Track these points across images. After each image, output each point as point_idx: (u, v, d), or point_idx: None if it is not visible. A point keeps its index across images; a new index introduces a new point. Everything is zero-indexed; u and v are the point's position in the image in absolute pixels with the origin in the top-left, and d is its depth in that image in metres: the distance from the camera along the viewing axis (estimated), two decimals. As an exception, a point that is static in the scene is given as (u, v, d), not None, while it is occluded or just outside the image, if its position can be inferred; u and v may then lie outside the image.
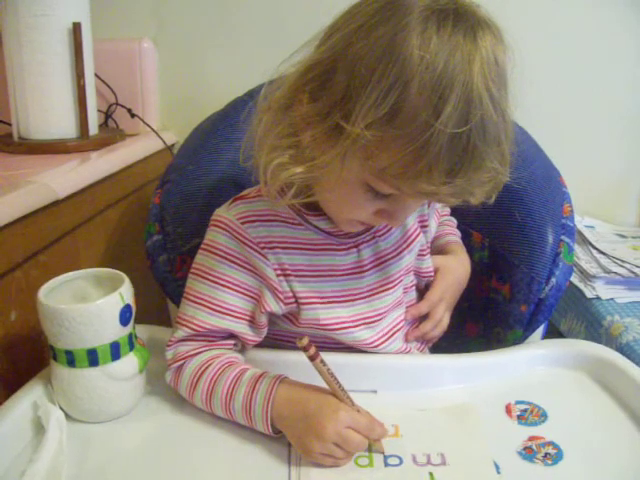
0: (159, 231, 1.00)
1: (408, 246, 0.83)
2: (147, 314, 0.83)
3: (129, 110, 1.40)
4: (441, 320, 0.87)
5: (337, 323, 0.78)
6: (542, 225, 0.93)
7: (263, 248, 0.76)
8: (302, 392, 0.69)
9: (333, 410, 0.65)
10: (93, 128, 1.22)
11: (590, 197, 1.47)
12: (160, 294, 1.01)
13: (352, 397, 0.68)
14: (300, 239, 0.77)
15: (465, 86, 0.57)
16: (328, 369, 0.66)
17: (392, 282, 0.81)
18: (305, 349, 0.65)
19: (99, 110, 1.30)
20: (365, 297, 0.80)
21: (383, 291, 0.81)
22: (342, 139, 0.61)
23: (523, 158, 0.96)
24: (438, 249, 0.93)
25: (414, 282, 0.87)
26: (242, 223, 0.76)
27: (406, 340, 0.84)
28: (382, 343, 0.81)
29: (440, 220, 0.95)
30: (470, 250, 0.97)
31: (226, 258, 0.76)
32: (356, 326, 0.79)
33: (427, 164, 0.59)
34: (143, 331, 0.83)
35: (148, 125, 1.39)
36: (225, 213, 0.78)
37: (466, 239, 0.99)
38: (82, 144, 1.18)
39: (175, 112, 1.46)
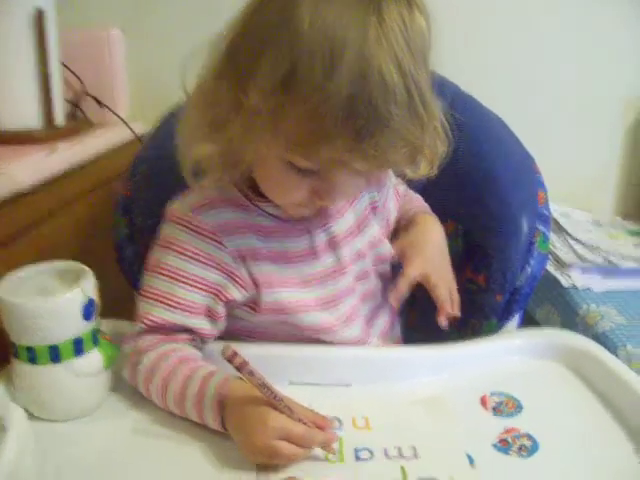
0: (127, 224, 0.98)
1: (360, 231, 0.82)
2: (118, 308, 0.81)
3: (97, 100, 1.36)
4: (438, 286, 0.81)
5: (298, 306, 0.77)
6: (517, 213, 0.92)
7: (218, 234, 0.74)
8: (241, 399, 0.64)
9: (261, 421, 0.61)
10: (60, 118, 1.19)
11: (567, 185, 1.47)
12: (130, 288, 0.99)
13: (293, 405, 0.63)
14: (253, 224, 0.76)
15: (359, 47, 0.56)
16: (259, 379, 0.61)
17: (345, 266, 0.80)
18: (230, 360, 0.60)
19: (67, 100, 1.27)
20: (320, 281, 0.79)
21: (337, 275, 0.80)
22: (242, 112, 0.62)
23: (498, 146, 0.96)
24: (407, 225, 0.89)
25: (367, 269, 0.84)
26: (194, 213, 0.75)
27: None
28: (339, 328, 0.80)
29: (404, 200, 0.92)
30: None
31: (182, 253, 0.74)
32: (315, 308, 0.78)
33: (327, 128, 0.58)
34: (112, 326, 0.81)
35: (117, 115, 1.36)
36: (177, 205, 0.77)
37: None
38: (48, 134, 1.15)
39: (145, 102, 1.44)
